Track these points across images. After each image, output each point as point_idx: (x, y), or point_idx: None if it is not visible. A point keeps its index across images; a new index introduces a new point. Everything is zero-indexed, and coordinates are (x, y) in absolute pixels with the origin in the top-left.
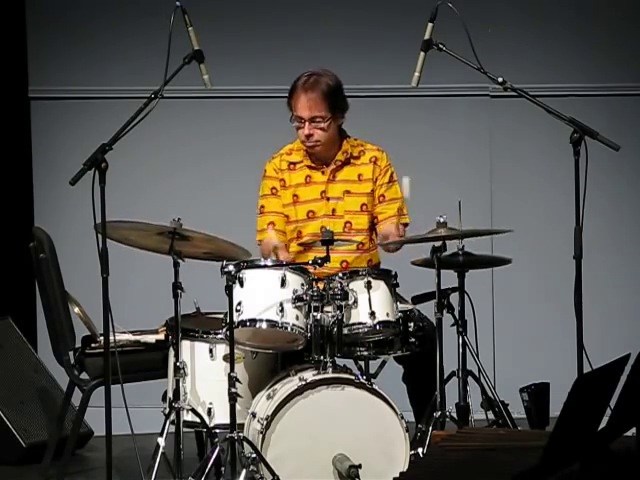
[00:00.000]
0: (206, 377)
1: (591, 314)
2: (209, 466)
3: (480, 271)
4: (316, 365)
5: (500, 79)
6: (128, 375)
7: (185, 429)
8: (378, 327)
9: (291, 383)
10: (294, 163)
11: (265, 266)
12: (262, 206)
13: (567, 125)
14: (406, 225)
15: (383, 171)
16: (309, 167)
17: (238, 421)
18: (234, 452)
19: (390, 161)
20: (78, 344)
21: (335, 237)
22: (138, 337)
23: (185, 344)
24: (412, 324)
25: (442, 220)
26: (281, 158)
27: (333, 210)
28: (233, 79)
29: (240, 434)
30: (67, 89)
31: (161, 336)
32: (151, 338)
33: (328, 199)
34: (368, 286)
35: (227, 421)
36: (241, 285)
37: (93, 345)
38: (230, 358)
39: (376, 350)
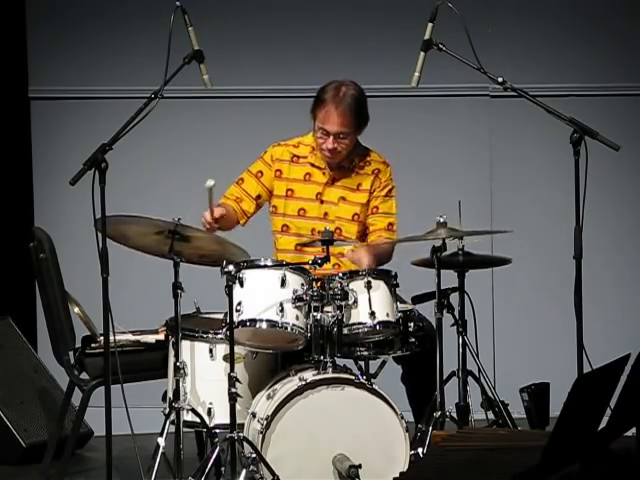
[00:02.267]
0: (206, 377)
1: (591, 314)
2: (209, 466)
3: (480, 271)
4: (316, 365)
5: (500, 79)
6: (128, 375)
7: (185, 429)
8: (378, 327)
9: (291, 383)
10: (298, 156)
11: (265, 266)
12: (242, 179)
13: (567, 125)
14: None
15: (383, 185)
16: (311, 165)
17: (238, 421)
18: (234, 452)
19: (392, 176)
20: (78, 344)
21: (331, 231)
22: (138, 337)
23: (185, 344)
24: (412, 324)
25: (442, 220)
26: (287, 148)
27: (325, 213)
28: (233, 79)
29: (240, 434)
30: (67, 89)
31: (161, 336)
32: (151, 338)
33: (322, 202)
34: (368, 286)
35: (227, 421)
36: (241, 285)
37: (93, 345)
38: (230, 358)
39: (376, 350)
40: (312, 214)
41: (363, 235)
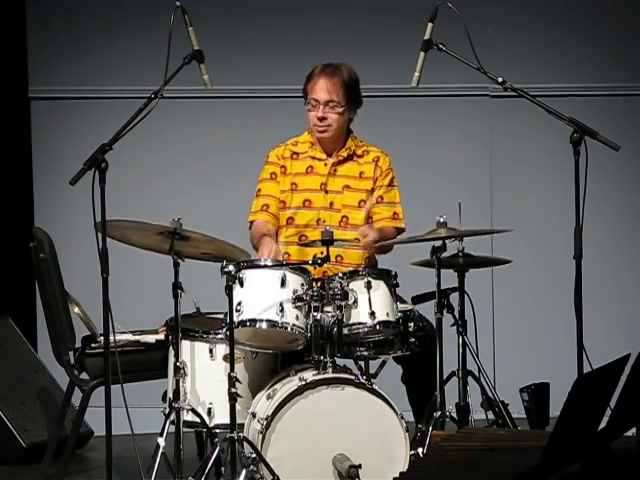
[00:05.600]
0: (206, 377)
1: (591, 314)
2: (209, 466)
3: (480, 271)
4: (316, 365)
5: (500, 79)
6: (128, 375)
7: (185, 429)
8: (378, 327)
9: (291, 383)
10: (297, 153)
11: (265, 266)
12: (259, 189)
13: (567, 125)
14: (401, 231)
15: (384, 173)
16: (312, 158)
17: (238, 421)
18: (234, 452)
19: (392, 165)
20: (78, 344)
21: (332, 231)
22: (138, 337)
23: (185, 344)
24: (412, 324)
25: (442, 220)
26: (285, 147)
27: (331, 203)
28: (233, 79)
29: (240, 434)
30: (67, 89)
31: (161, 336)
32: (151, 338)
33: (327, 192)
34: (368, 286)
35: (227, 421)
36: (241, 285)
37: (93, 345)
38: (230, 358)
39: (376, 350)
40: (317, 204)
41: (369, 222)
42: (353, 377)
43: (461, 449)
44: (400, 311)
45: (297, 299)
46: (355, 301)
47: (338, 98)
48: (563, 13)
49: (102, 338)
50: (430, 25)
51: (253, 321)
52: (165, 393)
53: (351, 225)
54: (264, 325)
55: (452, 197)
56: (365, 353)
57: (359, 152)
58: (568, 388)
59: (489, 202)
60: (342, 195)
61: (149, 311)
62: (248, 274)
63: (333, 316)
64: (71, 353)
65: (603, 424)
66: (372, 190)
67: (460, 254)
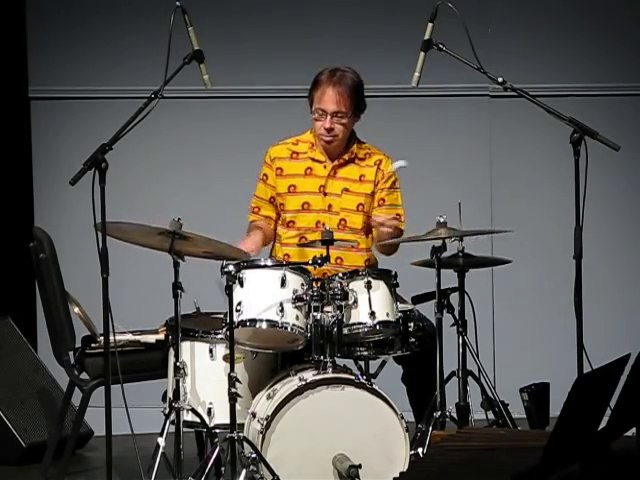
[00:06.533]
0: (206, 377)
1: (591, 314)
2: (209, 466)
3: (480, 271)
4: (316, 365)
5: (500, 79)
6: (128, 375)
7: (185, 429)
8: (378, 327)
9: (291, 383)
10: (297, 153)
11: (265, 266)
12: (256, 188)
13: (567, 125)
14: (401, 232)
15: (386, 176)
16: (312, 159)
17: (238, 421)
18: (234, 452)
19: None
20: (78, 344)
21: (332, 231)
22: (138, 337)
23: (185, 344)
24: (412, 324)
25: (442, 220)
26: (285, 146)
27: (329, 206)
28: (233, 79)
29: (240, 434)
30: (67, 89)
31: (161, 336)
32: (151, 338)
33: (325, 194)
34: (368, 286)
35: (227, 421)
36: (241, 285)
37: (93, 345)
38: (230, 358)
39: (376, 350)
40: (316, 207)
41: (368, 226)
42: (353, 377)
43: (461, 449)
44: (400, 311)
45: (297, 299)
46: (355, 301)
47: (345, 109)
48: (563, 13)
49: (102, 338)
50: (430, 25)
51: (253, 321)
52: (165, 393)
53: (349, 228)
54: (264, 325)
55: (452, 197)
56: (365, 353)
57: (361, 155)
58: (568, 388)
59: (489, 202)
60: (341, 198)
61: (149, 311)
62: (248, 274)
63: (333, 316)
64: (71, 353)
65: (603, 424)
66: (372, 194)
67: (460, 254)
